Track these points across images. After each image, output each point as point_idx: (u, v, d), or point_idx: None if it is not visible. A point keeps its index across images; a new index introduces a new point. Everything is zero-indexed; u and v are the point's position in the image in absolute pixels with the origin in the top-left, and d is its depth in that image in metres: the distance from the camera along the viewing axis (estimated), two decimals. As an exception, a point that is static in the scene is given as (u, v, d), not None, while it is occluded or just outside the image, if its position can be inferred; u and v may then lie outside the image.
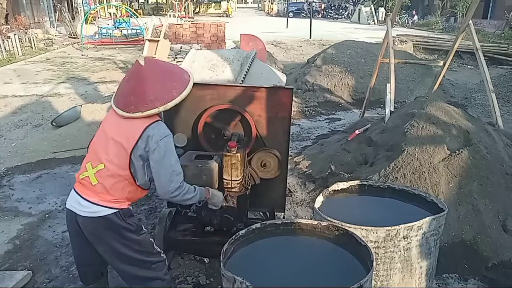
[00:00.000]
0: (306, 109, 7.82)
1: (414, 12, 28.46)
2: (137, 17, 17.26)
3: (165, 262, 2.37)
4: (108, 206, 2.12)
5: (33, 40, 15.22)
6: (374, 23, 28.64)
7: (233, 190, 2.84)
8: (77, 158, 5.34)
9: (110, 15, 22.78)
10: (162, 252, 2.37)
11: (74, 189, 2.20)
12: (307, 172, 4.88)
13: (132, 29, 17.30)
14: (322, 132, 6.68)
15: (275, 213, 3.36)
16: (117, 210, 2.14)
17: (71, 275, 3.19)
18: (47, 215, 4.02)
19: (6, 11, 14.98)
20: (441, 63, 6.55)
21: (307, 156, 5.27)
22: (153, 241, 2.35)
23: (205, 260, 3.31)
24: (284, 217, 3.47)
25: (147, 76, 2.07)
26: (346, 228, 1.92)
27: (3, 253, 3.44)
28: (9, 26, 14.58)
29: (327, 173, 4.54)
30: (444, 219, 2.19)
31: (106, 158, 2.09)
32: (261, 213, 3.75)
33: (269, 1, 43.43)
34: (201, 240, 3.01)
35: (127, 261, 2.22)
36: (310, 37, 18.17)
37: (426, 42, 15.46)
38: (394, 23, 20.86)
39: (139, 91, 2.06)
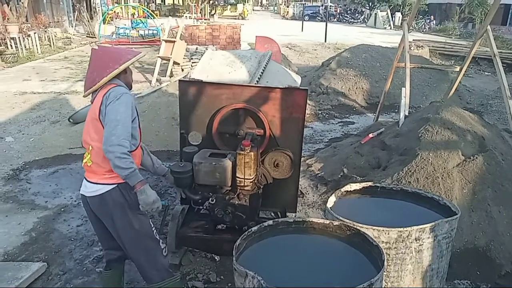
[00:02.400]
0: (320, 112, 7.81)
1: (432, 18, 28.16)
2: (154, 18, 17.47)
3: (164, 250, 2.52)
4: (106, 182, 2.30)
5: (52, 39, 15.52)
6: (390, 28, 28.45)
7: (245, 188, 2.86)
8: (93, 154, 5.42)
9: (128, 16, 23.08)
10: (161, 241, 2.50)
11: (84, 177, 2.42)
12: (319, 175, 4.88)
13: (149, 29, 17.51)
14: (335, 135, 6.67)
15: (287, 214, 3.37)
16: (115, 185, 2.31)
17: (84, 268, 3.25)
18: (62, 209, 4.10)
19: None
20: (458, 69, 6.49)
21: (320, 159, 5.27)
22: (153, 227, 2.49)
23: (216, 257, 3.34)
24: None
25: (94, 59, 2.45)
26: (358, 228, 1.93)
27: (19, 245, 3.52)
28: (29, 25, 14.88)
29: (340, 176, 4.53)
30: (457, 222, 2.18)
31: (90, 139, 2.33)
32: (272, 213, 3.77)
33: (284, 5, 43.47)
34: (213, 237, 3.04)
35: (129, 238, 2.40)
36: (325, 41, 18.14)
37: (443, 47, 15.32)
38: (411, 28, 20.70)
39: (89, 71, 2.43)
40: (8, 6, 14.56)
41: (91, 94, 2.41)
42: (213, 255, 3.35)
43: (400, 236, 1.98)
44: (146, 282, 2.55)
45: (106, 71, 2.34)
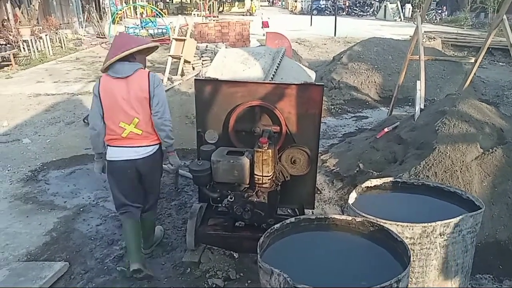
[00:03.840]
0: (332, 107, 7.77)
1: (444, 8, 27.70)
2: (162, 16, 17.52)
3: None
4: (156, 144, 3.01)
5: (63, 40, 15.67)
6: (401, 20, 28.07)
7: (264, 186, 2.87)
8: (109, 154, 5.48)
9: (137, 15, 23.18)
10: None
11: (124, 146, 2.92)
12: (335, 170, 4.86)
13: (158, 28, 17.56)
14: (349, 130, 6.63)
15: (304, 210, 3.37)
16: (159, 144, 3.03)
17: (105, 267, 3.29)
18: (81, 209, 4.16)
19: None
20: (472, 60, 6.39)
21: (334, 154, 5.24)
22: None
23: (234, 255, 3.36)
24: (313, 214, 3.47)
25: (120, 39, 3.06)
26: (382, 224, 1.92)
27: (41, 245, 3.57)
28: (41, 27, 15.04)
29: (355, 171, 4.51)
30: (481, 216, 2.15)
31: (136, 112, 2.87)
32: (288, 210, 3.77)
33: (292, -1, 43.21)
34: (232, 235, 3.05)
35: (156, 183, 3.19)
36: (335, 35, 17.98)
37: (455, 38, 15.07)
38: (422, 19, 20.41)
39: (114, 48, 2.92)
40: (19, 9, 14.72)
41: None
42: (231, 252, 3.37)
43: (425, 232, 1.96)
44: (150, 206, 3.23)
45: (132, 45, 2.87)
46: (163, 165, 3.29)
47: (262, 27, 15.28)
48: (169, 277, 3.16)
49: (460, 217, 2.01)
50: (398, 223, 1.96)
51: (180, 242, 3.58)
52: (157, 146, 3.02)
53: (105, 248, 3.52)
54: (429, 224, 1.96)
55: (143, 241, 3.32)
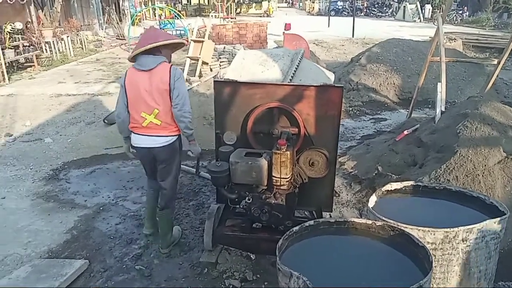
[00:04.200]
0: (350, 109, 7.71)
1: (465, 9, 27.15)
2: (180, 17, 17.66)
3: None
4: (174, 134, 3.19)
5: (84, 42, 15.97)
6: (420, 21, 27.67)
7: (282, 188, 2.86)
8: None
9: (156, 17, 23.45)
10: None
11: (143, 134, 3.15)
12: (353, 173, 4.81)
13: (176, 30, 17.72)
14: (367, 132, 6.56)
15: (322, 213, 3.35)
16: (177, 135, 3.21)
17: (124, 266, 3.33)
18: (101, 208, 4.22)
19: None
20: (495, 62, 6.24)
21: (352, 157, 5.20)
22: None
23: (251, 256, 3.36)
24: (331, 217, 3.45)
25: (149, 33, 3.29)
26: (402, 228, 1.89)
27: (62, 242, 3.65)
28: (62, 29, 15.36)
29: (374, 174, 4.46)
30: (506, 222, 2.10)
31: (156, 103, 3.05)
32: (305, 212, 3.75)
33: (310, 0, 43.06)
34: (249, 236, 3.06)
35: (173, 172, 3.31)
36: (353, 36, 17.86)
37: (477, 39, 14.77)
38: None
39: (143, 40, 3.14)
40: (42, 11, 15.07)
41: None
42: (248, 253, 3.37)
43: (447, 237, 1.92)
44: (165, 203, 3.39)
45: (158, 39, 3.07)
46: (187, 151, 3.47)
47: (284, 29, 15.32)
48: (186, 277, 3.18)
49: (484, 222, 1.97)
50: (419, 227, 1.93)
51: (197, 242, 3.60)
52: (175, 137, 3.20)
53: (124, 247, 3.57)
54: (451, 229, 1.92)
55: (161, 240, 3.46)
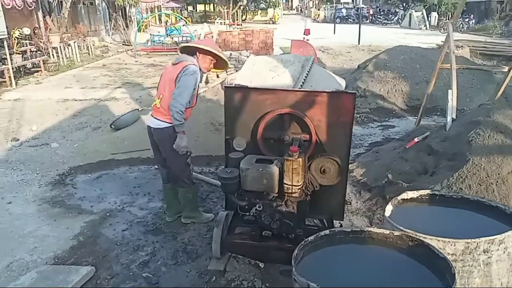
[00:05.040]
0: (358, 116, 7.64)
1: (471, 16, 27.10)
2: (186, 23, 17.74)
3: (190, 170, 3.75)
4: (166, 121, 3.45)
5: (91, 48, 16.06)
6: (426, 28, 27.66)
7: (293, 195, 2.81)
8: (135, 160, 5.53)
9: (162, 23, 23.57)
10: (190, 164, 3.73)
11: (151, 114, 3.62)
12: (362, 181, 4.74)
13: (183, 36, 17.79)
14: (376, 140, 6.49)
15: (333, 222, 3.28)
16: (171, 125, 3.43)
17: (131, 273, 3.27)
18: (107, 214, 4.17)
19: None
20: (506, 69, 6.17)
21: (361, 164, 5.13)
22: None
23: (260, 264, 3.29)
24: (341, 226, 3.39)
25: (202, 39, 4.00)
26: (421, 239, 1.83)
27: (68, 248, 3.59)
28: (69, 35, 15.46)
29: (384, 182, 4.38)
30: (527, 233, 2.03)
31: (163, 89, 3.49)
32: (315, 220, 3.69)
33: (315, 8, 43.21)
34: (259, 244, 2.99)
35: (171, 156, 3.57)
36: (359, 43, 17.84)
37: (484, 47, 14.71)
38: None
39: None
40: (50, 17, 15.18)
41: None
42: (257, 261, 3.31)
43: (467, 248, 1.86)
44: (174, 181, 3.78)
45: (200, 43, 3.64)
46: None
47: (304, 34, 15.40)
48: (194, 285, 3.12)
49: (506, 233, 1.90)
50: (439, 238, 1.86)
51: (205, 249, 3.54)
52: (167, 124, 3.46)
53: (130, 254, 3.51)
54: (473, 240, 1.86)
55: (167, 208, 4.01)
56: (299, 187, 2.78)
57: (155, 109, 3.55)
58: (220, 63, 3.68)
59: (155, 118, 3.53)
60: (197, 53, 3.52)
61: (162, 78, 3.59)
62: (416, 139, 4.88)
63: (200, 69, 3.52)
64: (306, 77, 3.43)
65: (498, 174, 3.67)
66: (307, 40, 16.04)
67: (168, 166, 3.71)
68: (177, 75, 3.36)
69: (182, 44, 3.66)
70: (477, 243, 1.86)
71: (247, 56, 10.84)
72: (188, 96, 3.37)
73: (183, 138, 3.47)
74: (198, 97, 3.68)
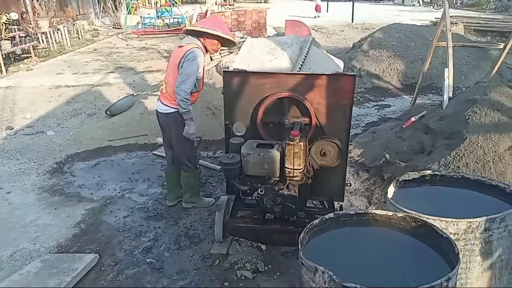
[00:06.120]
0: (354, 96, 7.63)
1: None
2: (176, 3, 17.38)
3: (197, 156, 3.86)
4: (172, 106, 3.51)
5: (81, 32, 15.74)
6: (419, 5, 27.36)
7: (295, 179, 2.83)
8: (132, 146, 5.51)
9: (152, 5, 23.09)
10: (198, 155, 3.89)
11: (159, 98, 3.68)
12: (360, 161, 4.78)
13: (174, 18, 17.47)
14: (372, 119, 6.52)
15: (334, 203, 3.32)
16: (176, 110, 3.47)
17: (134, 259, 3.31)
18: (108, 201, 4.18)
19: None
20: (501, 46, 6.17)
21: (359, 144, 5.16)
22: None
23: (262, 247, 3.34)
24: (341, 207, 3.42)
25: (210, 17, 3.72)
26: (425, 219, 1.86)
27: (70, 236, 3.62)
28: (58, 19, 15.11)
29: (381, 162, 4.42)
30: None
31: (169, 75, 3.53)
32: (313, 201, 3.73)
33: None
34: (262, 227, 3.03)
35: (177, 140, 3.62)
36: (352, 21, 17.63)
37: (478, 23, 14.61)
38: (441, 4, 19.82)
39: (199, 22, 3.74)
40: (37, 1, 14.81)
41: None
42: (259, 244, 3.35)
43: (470, 227, 1.90)
44: (182, 170, 3.80)
45: (206, 25, 3.46)
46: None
47: (315, 10, 15.11)
48: (198, 269, 3.17)
49: (506, 212, 1.94)
50: (441, 218, 1.90)
51: (207, 233, 3.58)
52: (172, 109, 3.52)
53: (133, 240, 3.54)
54: (475, 219, 1.89)
55: (168, 193, 4.05)
56: (301, 170, 2.79)
57: (162, 94, 3.61)
58: (226, 42, 3.63)
59: (162, 103, 3.59)
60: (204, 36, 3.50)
61: (169, 62, 3.62)
62: (413, 118, 4.90)
63: (207, 50, 3.58)
64: (304, 59, 3.39)
65: (495, 151, 3.72)
66: (318, 17, 15.73)
67: (174, 150, 3.76)
68: (179, 60, 3.38)
69: (187, 27, 3.66)
70: (479, 222, 1.90)
71: (241, 37, 10.71)
72: (192, 82, 3.37)
73: (191, 125, 3.51)
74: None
